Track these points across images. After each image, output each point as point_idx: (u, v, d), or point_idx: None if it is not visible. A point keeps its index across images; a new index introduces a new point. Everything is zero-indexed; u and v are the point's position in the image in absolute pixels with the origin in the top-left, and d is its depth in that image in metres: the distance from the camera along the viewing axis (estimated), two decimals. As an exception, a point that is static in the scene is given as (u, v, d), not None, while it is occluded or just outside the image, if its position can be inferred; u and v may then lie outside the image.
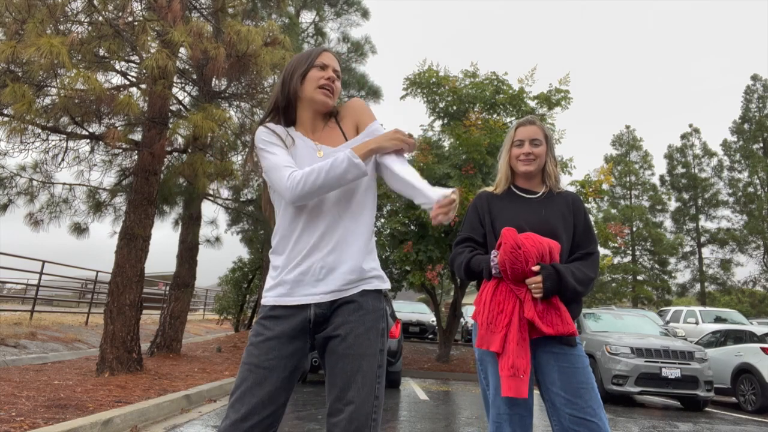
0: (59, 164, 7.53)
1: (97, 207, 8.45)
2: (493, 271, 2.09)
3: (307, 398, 6.84)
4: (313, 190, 1.59)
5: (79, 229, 8.46)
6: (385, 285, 1.72)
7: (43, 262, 11.01)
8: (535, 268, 2.03)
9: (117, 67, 6.70)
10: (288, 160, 1.66)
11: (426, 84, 13.15)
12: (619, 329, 9.91)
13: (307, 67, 1.73)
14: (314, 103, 1.74)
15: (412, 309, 19.70)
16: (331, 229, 1.66)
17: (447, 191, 1.59)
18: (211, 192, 9.52)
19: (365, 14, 14.03)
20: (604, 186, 11.66)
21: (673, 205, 33.27)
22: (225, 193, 10.11)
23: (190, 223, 10.43)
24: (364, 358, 1.58)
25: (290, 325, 1.63)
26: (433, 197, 1.60)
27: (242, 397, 1.56)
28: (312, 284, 1.64)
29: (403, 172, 1.69)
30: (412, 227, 12.15)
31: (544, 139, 2.27)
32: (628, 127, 35.40)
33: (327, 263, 1.64)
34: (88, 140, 7.19)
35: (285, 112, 1.77)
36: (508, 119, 12.95)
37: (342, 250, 1.65)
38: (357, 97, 1.89)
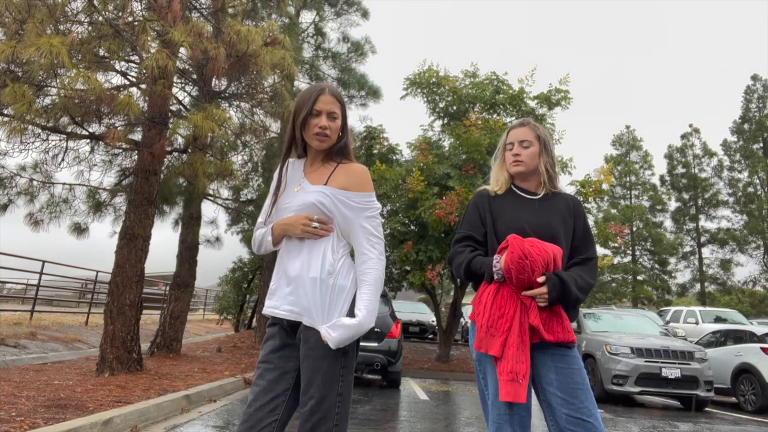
0: (59, 164, 7.54)
1: (97, 207, 8.45)
2: (496, 276, 2.08)
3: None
4: (256, 251, 2.07)
5: (79, 229, 8.46)
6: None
7: (43, 262, 11.01)
8: (541, 279, 2.04)
9: (117, 67, 6.70)
10: (265, 211, 2.06)
11: (426, 84, 13.15)
12: (619, 329, 9.90)
13: (306, 114, 1.95)
14: (312, 146, 2.01)
15: (412, 309, 19.69)
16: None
17: (333, 332, 1.79)
18: (211, 192, 9.52)
19: (365, 14, 14.01)
20: (604, 186, 11.66)
21: (673, 205, 33.29)
22: (225, 193, 10.12)
23: (190, 223, 10.44)
24: (325, 359, 1.81)
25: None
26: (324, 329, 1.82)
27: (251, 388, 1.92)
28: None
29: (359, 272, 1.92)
30: (412, 227, 12.15)
31: (536, 139, 2.28)
32: (628, 127, 35.42)
33: None
34: (88, 140, 7.19)
35: (296, 145, 2.06)
36: (508, 119, 12.95)
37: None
38: (365, 168, 2.03)
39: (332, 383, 1.79)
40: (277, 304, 1.90)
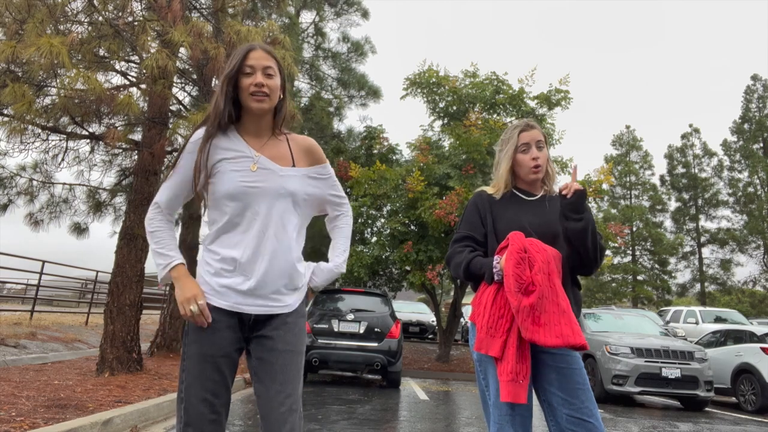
0: (59, 164, 7.54)
1: (97, 207, 8.46)
2: (496, 277, 2.07)
3: (306, 398, 6.84)
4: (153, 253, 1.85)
5: (79, 229, 8.47)
6: None
7: (43, 262, 11.01)
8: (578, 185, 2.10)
9: (117, 67, 6.70)
10: (173, 185, 1.82)
11: (426, 84, 13.16)
12: (619, 329, 9.90)
13: (235, 73, 1.75)
14: (251, 109, 1.79)
15: (412, 309, 19.69)
16: None
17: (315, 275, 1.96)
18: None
19: (365, 14, 14.02)
20: (604, 186, 11.66)
21: (673, 205, 33.27)
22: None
23: (190, 223, 10.44)
24: (298, 355, 1.81)
25: None
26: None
27: None
28: None
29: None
30: (412, 227, 12.15)
31: (545, 141, 2.28)
32: (628, 127, 35.42)
33: None
34: (88, 140, 7.19)
35: (223, 117, 1.79)
36: (508, 119, 12.96)
37: None
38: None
39: (300, 377, 1.79)
40: (250, 300, 1.78)
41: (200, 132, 1.82)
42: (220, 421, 1.71)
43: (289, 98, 1.92)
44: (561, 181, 2.42)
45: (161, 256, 1.78)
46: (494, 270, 2.07)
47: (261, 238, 1.76)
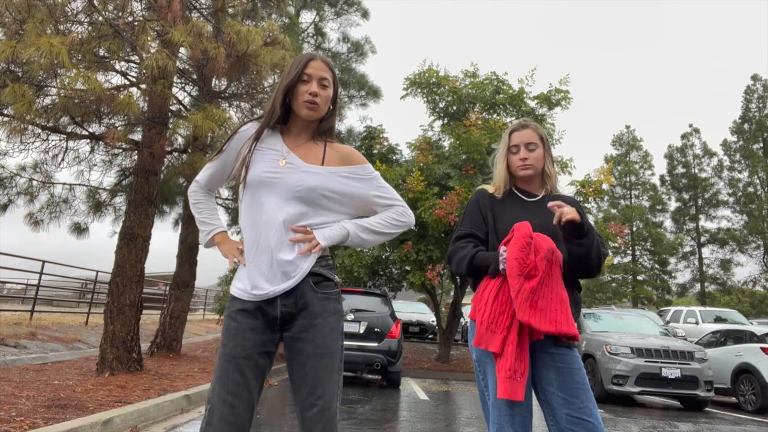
0: (59, 164, 7.54)
1: (97, 207, 8.46)
2: (501, 266, 2.06)
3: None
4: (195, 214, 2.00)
5: (79, 229, 8.47)
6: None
7: (43, 262, 11.00)
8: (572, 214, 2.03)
9: (117, 67, 6.70)
10: (214, 167, 1.95)
11: (426, 84, 13.15)
12: (619, 329, 9.90)
13: (294, 80, 1.83)
14: (300, 115, 1.86)
15: (412, 309, 19.68)
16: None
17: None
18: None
19: (365, 14, 14.02)
20: (604, 186, 11.66)
21: (673, 205, 33.27)
22: (225, 193, 10.10)
23: (190, 223, 10.42)
24: (330, 356, 1.79)
25: None
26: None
27: None
28: None
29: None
30: (412, 227, 12.13)
31: (540, 141, 2.25)
32: (628, 127, 35.40)
33: None
34: (88, 140, 7.19)
35: (276, 118, 1.88)
36: (508, 119, 12.95)
37: None
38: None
39: (335, 379, 1.78)
40: (274, 288, 1.79)
41: (250, 126, 1.92)
42: (241, 425, 1.69)
43: (336, 112, 1.98)
44: (561, 181, 2.42)
45: (204, 224, 1.96)
46: (500, 258, 2.06)
47: (267, 228, 1.79)
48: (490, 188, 2.31)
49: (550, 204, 2.07)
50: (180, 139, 6.98)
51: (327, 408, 1.73)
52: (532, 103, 13.00)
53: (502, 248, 2.10)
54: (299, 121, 1.90)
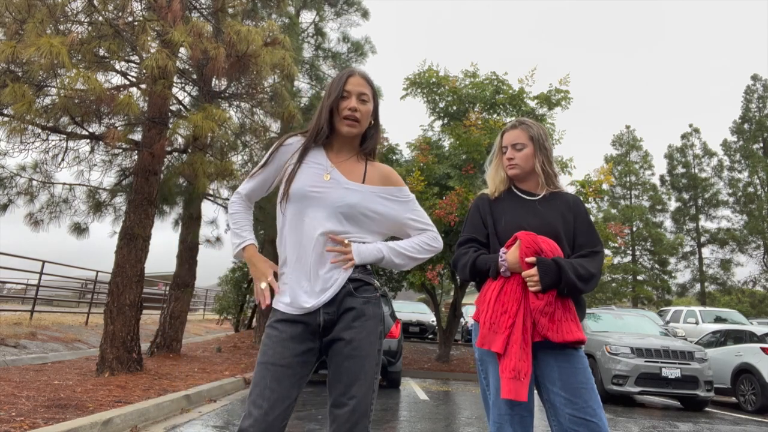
0: (59, 164, 7.54)
1: (97, 207, 8.45)
2: (501, 269, 2.08)
3: (306, 398, 6.84)
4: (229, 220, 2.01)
5: (79, 229, 8.46)
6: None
7: (43, 262, 11.00)
8: (530, 259, 2.02)
9: (117, 67, 6.70)
10: (257, 178, 1.96)
11: (426, 84, 13.15)
12: (619, 329, 9.91)
13: (336, 97, 1.86)
14: (341, 132, 1.89)
15: (412, 309, 19.69)
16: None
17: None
18: (211, 192, 9.51)
19: (365, 14, 14.01)
20: (604, 186, 11.65)
21: (673, 205, 33.28)
22: (225, 193, 10.10)
23: (190, 223, 10.43)
24: (368, 359, 1.80)
25: None
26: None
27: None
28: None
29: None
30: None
31: (529, 140, 2.27)
32: (628, 127, 35.44)
33: None
34: (88, 140, 7.19)
35: (323, 137, 1.90)
36: (508, 119, 12.95)
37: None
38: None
39: (372, 381, 1.80)
40: (316, 302, 1.81)
41: (296, 139, 1.94)
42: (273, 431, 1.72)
43: (379, 131, 2.00)
44: (561, 181, 2.42)
45: (236, 236, 1.95)
46: (500, 261, 2.09)
47: (308, 243, 1.82)
48: (489, 191, 2.34)
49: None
50: (180, 139, 6.98)
51: (357, 409, 1.75)
52: (532, 103, 12.99)
53: (502, 250, 2.11)
54: (341, 137, 1.91)
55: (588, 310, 11.13)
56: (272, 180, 1.97)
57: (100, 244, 10.16)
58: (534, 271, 2.01)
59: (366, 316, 1.82)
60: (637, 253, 30.94)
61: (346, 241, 1.85)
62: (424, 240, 1.99)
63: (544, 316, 2.00)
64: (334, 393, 1.79)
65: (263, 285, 1.85)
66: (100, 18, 6.20)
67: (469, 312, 19.34)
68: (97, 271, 13.96)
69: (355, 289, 1.83)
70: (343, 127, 1.86)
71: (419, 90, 13.30)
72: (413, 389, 8.90)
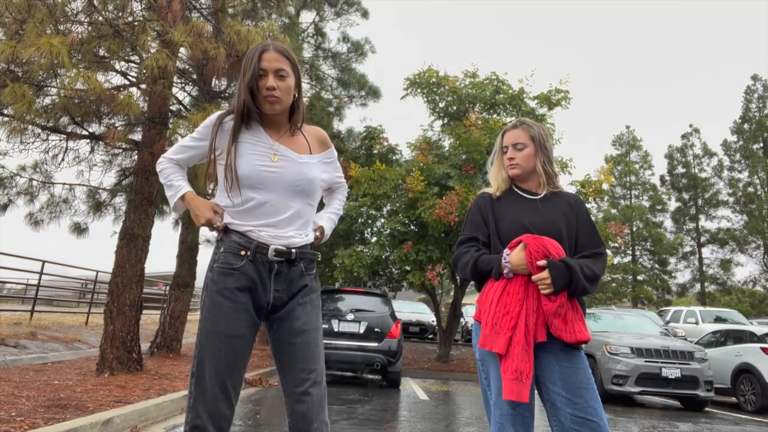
0: (59, 164, 7.54)
1: (97, 207, 8.46)
2: (504, 271, 2.07)
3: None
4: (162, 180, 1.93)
5: (79, 229, 8.46)
6: None
7: (43, 262, 11.00)
8: (542, 262, 2.02)
9: (117, 67, 6.70)
10: (191, 152, 1.91)
11: (426, 84, 13.16)
12: (619, 329, 9.90)
13: (251, 77, 1.78)
14: (264, 110, 1.85)
15: (412, 309, 19.69)
16: None
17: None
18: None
19: (365, 14, 14.01)
20: (604, 186, 11.66)
21: (673, 205, 33.25)
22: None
23: (190, 223, 10.42)
24: (319, 331, 1.91)
25: None
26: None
27: None
28: None
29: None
30: (412, 227, 12.14)
31: (530, 140, 2.27)
32: (628, 127, 35.42)
33: None
34: (88, 140, 7.19)
35: (244, 114, 1.84)
36: (508, 119, 12.95)
37: None
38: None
39: (321, 352, 1.87)
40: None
41: (228, 118, 1.90)
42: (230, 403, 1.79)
43: (302, 99, 1.96)
44: (561, 181, 2.42)
45: (170, 188, 1.89)
46: (504, 262, 2.08)
47: (279, 224, 1.85)
48: (489, 190, 2.34)
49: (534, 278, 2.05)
50: (180, 139, 6.97)
51: (320, 381, 1.82)
52: (532, 103, 13.00)
53: (505, 251, 2.11)
54: (268, 116, 1.88)
55: (588, 310, 11.13)
56: (201, 157, 1.92)
57: (100, 244, 10.17)
58: (546, 273, 2.01)
59: (311, 289, 1.88)
60: (637, 253, 30.93)
61: (318, 234, 1.95)
62: (341, 197, 2.16)
63: (558, 318, 2.01)
64: (291, 372, 1.82)
65: (209, 214, 1.82)
66: (100, 18, 6.20)
67: (469, 312, 19.34)
68: (97, 271, 13.96)
69: (305, 268, 1.88)
70: (265, 106, 1.81)
71: (419, 90, 13.31)
72: (413, 389, 8.90)
